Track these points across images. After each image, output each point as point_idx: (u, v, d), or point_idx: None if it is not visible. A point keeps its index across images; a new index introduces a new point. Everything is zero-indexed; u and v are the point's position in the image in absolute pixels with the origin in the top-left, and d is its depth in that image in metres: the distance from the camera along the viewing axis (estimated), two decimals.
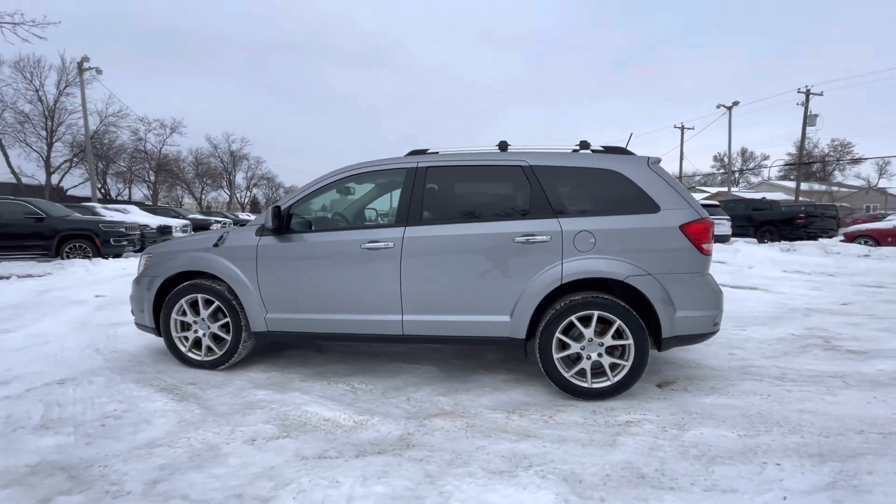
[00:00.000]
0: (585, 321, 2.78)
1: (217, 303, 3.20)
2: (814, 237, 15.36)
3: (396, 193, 3.21)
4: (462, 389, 3.01)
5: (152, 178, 32.96)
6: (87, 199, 19.99)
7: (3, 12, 11.32)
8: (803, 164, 32.02)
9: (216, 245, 3.21)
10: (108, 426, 2.41)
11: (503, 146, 3.18)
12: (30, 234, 9.89)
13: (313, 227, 3.14)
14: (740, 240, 14.98)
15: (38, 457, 2.07)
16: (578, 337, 2.81)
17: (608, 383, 2.79)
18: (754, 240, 16.00)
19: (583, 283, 2.84)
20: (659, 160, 3.04)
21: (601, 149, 3.11)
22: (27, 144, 23.40)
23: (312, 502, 1.78)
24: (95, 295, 6.07)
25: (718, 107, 26.93)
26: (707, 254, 2.81)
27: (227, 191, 45.67)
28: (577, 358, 2.83)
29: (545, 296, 2.81)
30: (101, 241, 10.07)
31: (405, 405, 2.78)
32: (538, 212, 2.89)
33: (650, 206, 2.82)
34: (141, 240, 11.74)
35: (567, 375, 2.82)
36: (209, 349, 3.27)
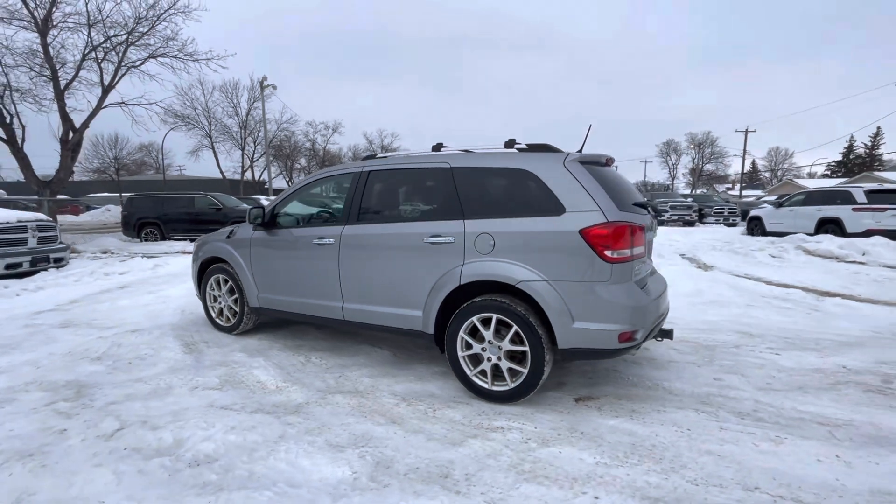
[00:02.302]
0: (487, 323, 2.79)
1: (231, 282, 4.11)
2: None
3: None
4: (391, 374, 3.30)
5: None
6: (277, 191, 24.93)
7: (200, 52, 15.02)
8: None
9: (228, 237, 4.10)
10: (132, 364, 3.44)
11: (436, 148, 3.29)
12: (212, 220, 13.12)
13: (288, 224, 3.76)
14: None
15: (74, 376, 3.15)
16: (482, 338, 2.84)
17: (506, 388, 2.77)
18: None
19: (488, 284, 2.84)
20: (584, 156, 2.79)
21: (525, 147, 2.98)
22: (237, 148, 30.38)
23: (180, 436, 2.38)
24: None
25: None
26: (612, 261, 2.52)
27: None
28: (482, 359, 2.86)
29: (448, 295, 2.90)
30: None
31: (330, 380, 3.22)
32: (449, 213, 2.97)
33: (555, 208, 2.64)
34: None
35: (470, 374, 2.88)
36: (227, 318, 4.21)
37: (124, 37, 14.64)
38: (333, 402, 2.87)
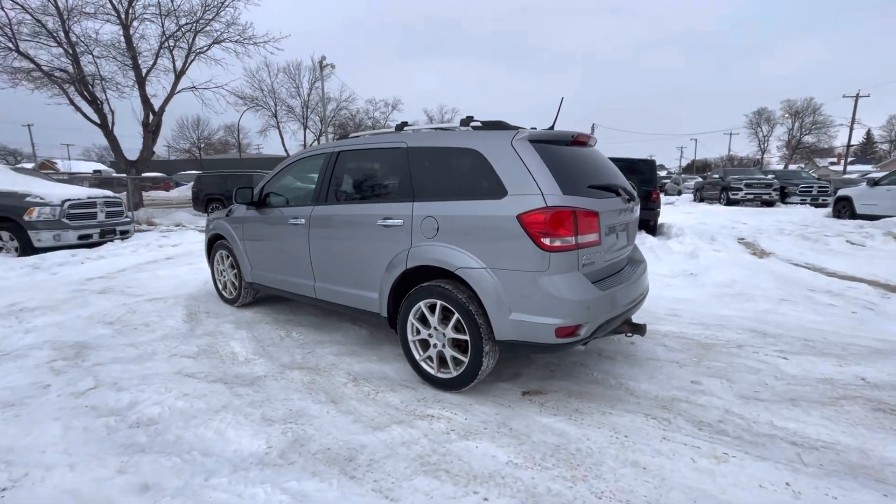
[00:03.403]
0: (434, 309, 2.72)
1: (231, 258, 4.37)
2: None
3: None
4: (357, 353, 3.36)
5: None
6: None
7: (257, 35, 15.74)
8: None
9: (227, 215, 4.34)
10: (136, 329, 3.82)
11: (399, 128, 3.18)
12: None
13: (275, 204, 3.89)
14: None
15: (83, 338, 3.55)
16: (429, 324, 2.78)
17: (450, 376, 2.70)
18: None
19: (434, 269, 2.74)
20: (537, 134, 2.55)
21: (479, 124, 2.78)
22: (302, 127, 31.88)
23: (136, 398, 2.61)
24: None
25: None
26: (551, 250, 2.30)
27: None
28: (430, 344, 2.81)
29: (399, 279, 2.85)
30: None
31: (298, 356, 3.34)
32: (402, 195, 2.88)
33: (497, 191, 2.46)
34: None
35: (419, 359, 2.85)
36: (230, 291, 4.50)
37: (192, 24, 15.70)
38: (289, 377, 2.98)
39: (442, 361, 2.77)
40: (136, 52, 15.33)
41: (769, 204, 17.05)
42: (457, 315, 2.59)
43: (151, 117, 15.94)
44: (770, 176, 18.43)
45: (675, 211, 14.62)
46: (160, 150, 45.82)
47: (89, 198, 7.75)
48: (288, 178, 3.90)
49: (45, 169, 37.38)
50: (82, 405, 2.54)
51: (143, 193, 18.81)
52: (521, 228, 2.34)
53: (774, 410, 2.46)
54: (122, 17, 14.89)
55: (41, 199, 7.15)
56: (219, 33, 15.66)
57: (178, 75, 15.76)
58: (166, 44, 15.68)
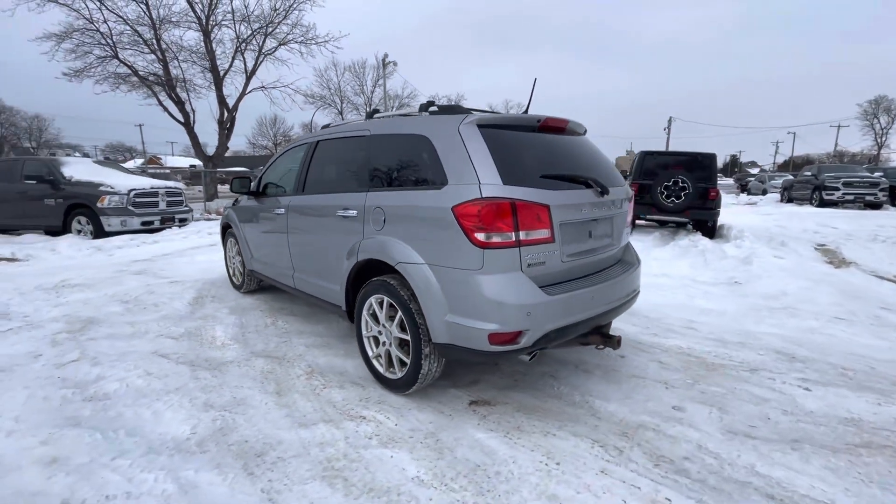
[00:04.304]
0: (382, 305, 2.58)
1: (237, 245, 4.54)
2: None
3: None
4: (329, 346, 3.31)
5: None
6: None
7: (319, 35, 16.47)
8: None
9: (233, 205, 4.50)
10: (145, 309, 4.09)
11: (370, 115, 3.05)
12: None
13: (269, 193, 3.96)
14: None
15: (96, 314, 3.87)
16: (379, 320, 2.64)
17: (395, 377, 2.55)
18: None
19: (383, 263, 2.59)
20: (489, 118, 2.29)
21: (436, 109, 2.57)
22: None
23: (104, 374, 2.76)
24: None
25: None
26: (484, 246, 2.05)
27: None
28: (380, 342, 2.67)
29: (352, 272, 2.74)
30: None
31: (272, 344, 3.36)
32: (360, 184, 2.76)
33: (440, 180, 2.25)
34: None
35: (371, 356, 2.73)
36: (237, 277, 4.69)
37: (263, 27, 16.79)
38: (252, 364, 3.00)
39: (390, 361, 2.62)
40: (214, 55, 16.71)
41: (875, 206, 14.62)
42: (400, 313, 2.43)
43: (226, 115, 17.31)
44: (878, 174, 15.80)
45: (753, 212, 13.03)
46: (243, 146, 49.81)
47: (152, 188, 8.55)
48: (281, 167, 3.95)
49: (152, 164, 42.33)
50: (56, 376, 2.73)
51: (220, 186, 20.54)
52: (455, 222, 2.12)
53: (764, 452, 2.01)
54: (204, 24, 16.28)
55: (111, 188, 8.01)
56: (284, 35, 16.61)
57: (249, 76, 16.96)
58: (240, 47, 16.93)
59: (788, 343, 3.24)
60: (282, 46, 16.77)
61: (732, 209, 14.12)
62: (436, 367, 2.42)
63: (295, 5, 16.88)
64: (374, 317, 2.67)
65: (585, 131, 2.95)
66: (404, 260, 2.35)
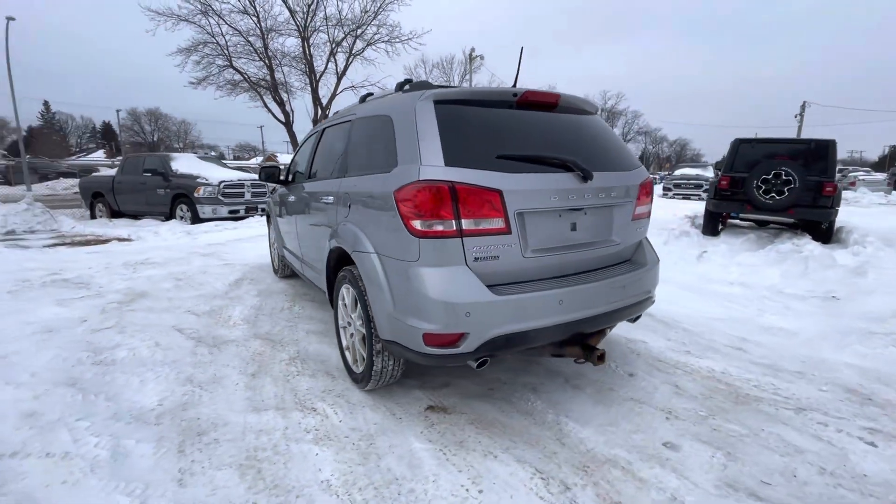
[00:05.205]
0: (349, 296, 2.48)
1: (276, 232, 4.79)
2: None
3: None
4: (327, 334, 3.30)
5: None
6: None
7: (403, 34, 16.94)
8: None
9: (271, 192, 4.74)
10: (192, 286, 4.48)
11: (363, 98, 2.94)
12: None
13: (293, 181, 4.08)
14: None
15: (149, 288, 4.33)
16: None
17: (358, 371, 2.44)
18: None
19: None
20: (451, 93, 2.04)
21: (408, 88, 2.35)
22: None
23: (122, 342, 3.05)
24: None
25: None
26: (420, 235, 1.81)
27: None
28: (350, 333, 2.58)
29: (329, 260, 2.67)
30: None
31: (278, 327, 3.43)
32: (341, 170, 2.68)
33: (392, 162, 2.06)
34: None
35: (344, 346, 2.65)
36: (276, 262, 4.95)
37: (354, 30, 17.74)
38: (248, 346, 3.11)
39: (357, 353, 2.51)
40: (311, 59, 18.08)
41: None
42: (359, 305, 2.30)
43: (320, 114, 18.66)
44: None
45: (887, 213, 10.51)
46: None
47: (239, 180, 9.49)
48: (301, 155, 4.04)
49: (269, 161, 47.56)
50: (85, 340, 3.09)
51: None
52: (396, 207, 1.92)
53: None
54: (303, 31, 17.67)
55: (206, 180, 9.06)
56: (371, 35, 17.37)
57: (339, 76, 18.06)
58: (333, 49, 18.09)
59: (870, 380, 2.47)
60: (369, 47, 17.62)
61: (873, 210, 11.55)
62: (392, 365, 2.26)
63: (384, 6, 17.58)
64: (346, 307, 2.58)
65: (597, 110, 2.53)
66: (358, 249, 2.21)
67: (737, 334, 3.16)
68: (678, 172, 19.18)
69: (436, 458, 1.85)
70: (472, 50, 23.52)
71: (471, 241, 1.84)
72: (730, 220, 8.13)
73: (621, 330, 3.18)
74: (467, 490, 1.66)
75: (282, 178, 4.16)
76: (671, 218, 9.31)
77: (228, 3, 16.24)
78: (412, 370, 2.61)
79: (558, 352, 2.16)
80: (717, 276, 5.19)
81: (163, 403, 2.33)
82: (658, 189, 22.98)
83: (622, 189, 2.23)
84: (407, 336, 1.92)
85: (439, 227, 1.82)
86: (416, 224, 1.84)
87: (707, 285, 4.76)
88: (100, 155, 49.63)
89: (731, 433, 1.99)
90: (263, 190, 10.15)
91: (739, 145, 7.48)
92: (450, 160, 1.85)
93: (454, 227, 1.82)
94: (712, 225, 7.64)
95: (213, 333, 3.30)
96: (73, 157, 44.94)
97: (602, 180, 2.12)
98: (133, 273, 5.00)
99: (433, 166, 1.84)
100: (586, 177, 2.04)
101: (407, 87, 2.40)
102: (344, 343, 2.65)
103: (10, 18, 18.75)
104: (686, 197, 16.94)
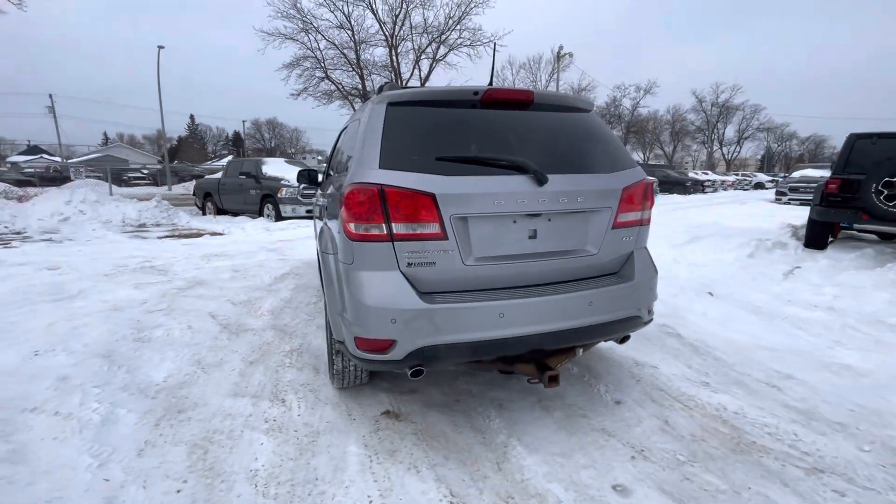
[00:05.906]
0: None
1: None
2: None
3: None
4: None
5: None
6: None
7: (484, 36, 16.96)
8: None
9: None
10: (244, 278, 4.96)
11: (380, 89, 2.99)
12: None
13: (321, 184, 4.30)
14: None
15: (211, 278, 4.88)
16: None
17: (332, 370, 2.50)
18: None
19: None
20: (403, 95, 1.99)
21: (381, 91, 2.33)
22: None
23: (164, 322, 3.48)
24: None
25: None
26: (353, 238, 1.78)
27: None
28: None
29: (317, 261, 2.77)
30: None
31: (297, 320, 3.66)
32: (338, 171, 2.76)
33: (349, 165, 2.07)
34: None
35: (329, 343, 2.73)
36: None
37: (438, 36, 18.22)
38: (262, 335, 3.36)
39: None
40: (398, 66, 18.96)
41: None
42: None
43: None
44: None
45: None
46: None
47: None
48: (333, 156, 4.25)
49: None
50: (136, 319, 3.58)
51: None
52: (340, 210, 1.93)
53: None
54: (390, 40, 18.60)
55: (288, 182, 9.97)
56: (453, 40, 17.67)
57: (422, 82, 18.64)
58: (418, 56, 18.77)
59: None
60: (451, 52, 17.97)
61: None
62: (353, 368, 2.27)
63: (467, 11, 17.79)
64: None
65: (591, 108, 2.30)
66: (322, 249, 2.27)
67: (782, 369, 2.63)
68: (797, 174, 16.49)
69: (360, 465, 1.83)
70: (560, 48, 22.73)
71: (403, 245, 1.79)
72: (844, 231, 6.80)
73: (631, 350, 2.83)
74: (371, 502, 1.62)
75: (319, 180, 4.43)
76: (769, 227, 8.07)
77: (327, 20, 17.74)
78: (388, 373, 2.60)
79: (507, 368, 1.99)
80: (803, 296, 4.37)
81: (167, 380, 2.62)
82: (769, 194, 20.05)
83: (594, 193, 1.98)
84: (346, 338, 1.92)
85: (370, 231, 1.79)
86: (351, 227, 1.83)
87: (782, 307, 4.04)
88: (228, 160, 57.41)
89: (705, 486, 1.67)
90: None
91: (856, 141, 6.22)
92: (385, 163, 1.81)
93: (384, 231, 1.78)
94: (817, 236, 6.46)
95: (239, 321, 3.62)
96: (208, 163, 52.48)
97: (563, 184, 1.91)
98: (205, 263, 5.68)
99: (369, 169, 1.82)
100: (541, 180, 1.85)
101: (383, 90, 2.41)
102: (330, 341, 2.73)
103: (160, 47, 22.49)
104: (804, 203, 14.50)
